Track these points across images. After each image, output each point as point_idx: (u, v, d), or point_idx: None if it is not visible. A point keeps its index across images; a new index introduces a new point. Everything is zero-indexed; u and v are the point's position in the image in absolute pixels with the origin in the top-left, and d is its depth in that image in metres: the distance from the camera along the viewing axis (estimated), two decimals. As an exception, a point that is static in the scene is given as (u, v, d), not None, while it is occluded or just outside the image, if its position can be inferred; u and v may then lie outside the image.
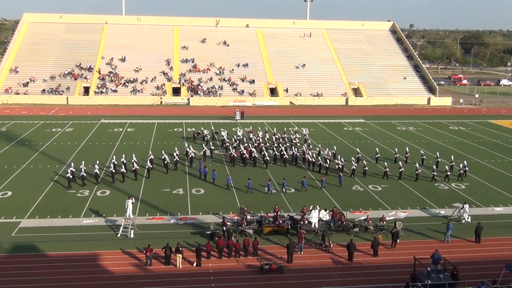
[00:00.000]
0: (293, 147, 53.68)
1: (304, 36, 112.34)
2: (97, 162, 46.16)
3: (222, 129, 61.65)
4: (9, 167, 47.60)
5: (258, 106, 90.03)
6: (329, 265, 29.13)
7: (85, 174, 42.79)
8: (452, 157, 50.05)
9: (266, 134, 61.25)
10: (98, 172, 43.66)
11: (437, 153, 51.80)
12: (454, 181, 45.60)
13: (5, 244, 30.68)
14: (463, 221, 35.71)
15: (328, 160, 48.80)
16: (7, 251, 29.86)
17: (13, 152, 53.20)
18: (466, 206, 36.19)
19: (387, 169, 46.60)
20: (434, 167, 48.05)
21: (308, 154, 50.45)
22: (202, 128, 63.35)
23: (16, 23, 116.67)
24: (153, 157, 47.95)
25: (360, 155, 51.71)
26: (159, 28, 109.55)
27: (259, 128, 64.41)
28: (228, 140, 57.02)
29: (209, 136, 59.30)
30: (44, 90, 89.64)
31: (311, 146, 54.82)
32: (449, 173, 46.15)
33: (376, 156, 51.83)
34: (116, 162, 45.59)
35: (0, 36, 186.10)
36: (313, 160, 48.97)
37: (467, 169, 47.24)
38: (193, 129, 63.85)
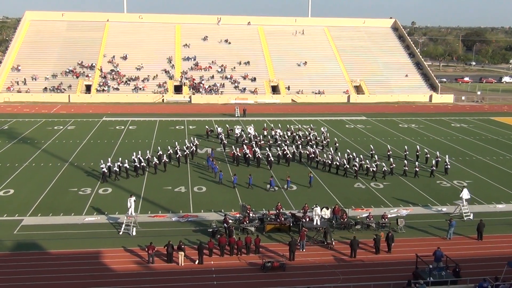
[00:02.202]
0: (300, 146, 53.32)
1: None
2: (119, 159, 46.35)
3: (236, 127, 61.49)
4: (11, 165, 47.68)
5: (260, 103, 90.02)
6: (331, 263, 29.15)
7: (117, 170, 43.79)
8: (447, 155, 49.87)
9: (279, 132, 60.10)
10: (128, 167, 44.54)
11: (437, 152, 51.29)
12: (455, 178, 45.64)
13: (8, 242, 30.76)
14: (466, 218, 35.70)
15: (341, 159, 47.67)
16: (9, 249, 29.94)
17: (15, 150, 53.27)
18: (465, 191, 36.38)
19: (406, 168, 46.44)
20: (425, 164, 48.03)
21: (323, 156, 49.61)
22: (216, 126, 63.05)
23: (18, 21, 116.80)
24: (161, 153, 48.41)
25: (374, 152, 51.63)
26: (161, 26, 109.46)
27: (272, 125, 64.05)
28: (244, 137, 56.95)
29: (223, 134, 59.15)
30: (46, 88, 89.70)
31: (337, 145, 54.45)
32: (423, 168, 46.76)
33: (388, 153, 51.72)
34: (136, 160, 45.99)
35: (2, 34, 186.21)
36: (337, 163, 47.00)
37: (448, 166, 47.39)
38: (206, 126, 63.74)
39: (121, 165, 44.69)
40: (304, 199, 38.25)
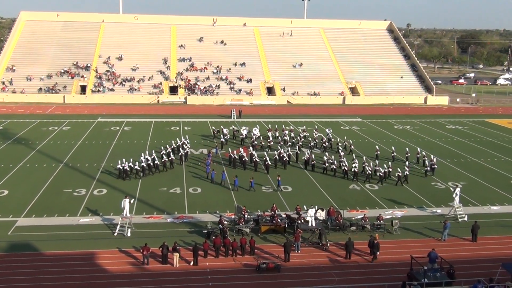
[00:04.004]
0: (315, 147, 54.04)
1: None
2: (131, 159, 46.54)
3: (243, 127, 61.43)
4: (5, 165, 47.48)
5: (255, 105, 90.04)
6: (326, 264, 29.17)
7: (138, 168, 44.75)
8: (432, 156, 50.00)
9: (284, 132, 59.84)
10: (145, 165, 45.12)
11: (431, 156, 50.95)
12: (450, 180, 45.78)
13: (2, 243, 30.63)
14: (460, 219, 35.82)
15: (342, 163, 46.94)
16: (3, 250, 29.80)
17: (10, 151, 53.06)
18: (458, 190, 36.60)
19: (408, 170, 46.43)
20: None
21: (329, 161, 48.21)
22: (221, 126, 62.87)
23: (13, 21, 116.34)
24: (165, 152, 48.77)
25: (379, 153, 51.69)
26: (156, 27, 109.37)
27: (276, 126, 64.02)
28: (253, 138, 56.80)
29: (228, 136, 58.84)
30: (41, 88, 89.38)
31: (352, 147, 54.39)
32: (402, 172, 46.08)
33: (392, 155, 51.70)
34: (144, 159, 46.23)
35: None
36: (355, 170, 44.95)
37: (435, 166, 47.50)
38: (213, 127, 63.64)
39: (134, 164, 45.20)
40: (299, 201, 38.26)
